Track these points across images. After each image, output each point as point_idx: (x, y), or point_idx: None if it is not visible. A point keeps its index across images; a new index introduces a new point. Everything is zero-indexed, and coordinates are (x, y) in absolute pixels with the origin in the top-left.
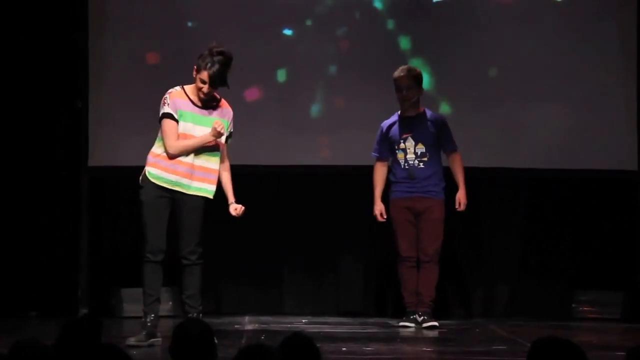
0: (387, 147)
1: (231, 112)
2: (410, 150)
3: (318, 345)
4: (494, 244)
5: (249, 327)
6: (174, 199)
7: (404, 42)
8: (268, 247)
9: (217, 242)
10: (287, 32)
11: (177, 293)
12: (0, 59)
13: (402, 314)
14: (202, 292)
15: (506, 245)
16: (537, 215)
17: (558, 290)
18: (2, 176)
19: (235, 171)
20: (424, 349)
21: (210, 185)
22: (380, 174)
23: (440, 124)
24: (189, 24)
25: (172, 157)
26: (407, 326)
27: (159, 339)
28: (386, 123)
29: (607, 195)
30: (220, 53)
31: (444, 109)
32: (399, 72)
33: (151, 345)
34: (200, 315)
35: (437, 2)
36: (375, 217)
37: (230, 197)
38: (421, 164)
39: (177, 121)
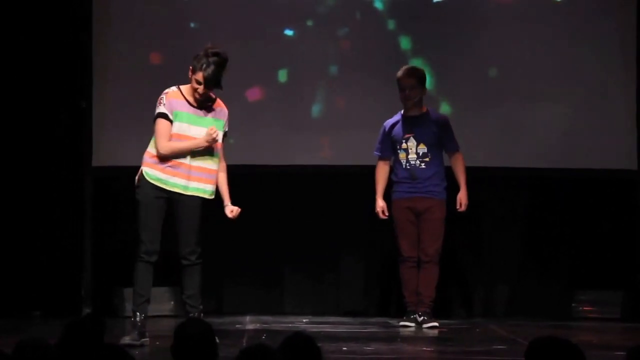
0: (389, 146)
1: (227, 112)
2: (412, 151)
3: (319, 345)
4: (494, 243)
5: (250, 326)
6: (171, 199)
7: (405, 42)
8: (269, 247)
9: (218, 242)
10: (288, 32)
11: (178, 293)
12: (5, 59)
13: (403, 314)
14: (203, 292)
15: (506, 245)
16: (537, 215)
17: (558, 290)
18: (6, 176)
19: (237, 171)
20: (424, 348)
21: (207, 185)
22: (382, 172)
23: (443, 123)
24: (192, 24)
25: (162, 157)
26: (408, 326)
27: (147, 339)
28: (389, 122)
29: (607, 195)
30: (215, 54)
31: (444, 108)
32: (402, 72)
33: (143, 345)
34: (202, 314)
35: (437, 2)
36: (377, 215)
37: (226, 199)
38: (423, 164)
39: (171, 122)
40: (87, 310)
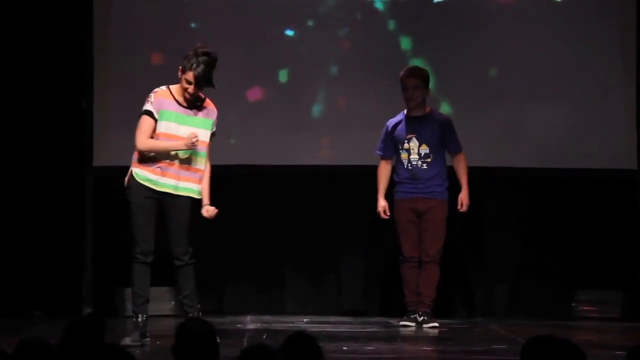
0: (392, 146)
1: (216, 112)
2: (414, 151)
3: (319, 344)
4: (494, 243)
5: (251, 326)
6: (162, 200)
7: (405, 43)
8: (270, 246)
9: (218, 242)
10: (289, 32)
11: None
12: (5, 59)
13: (403, 314)
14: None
15: (506, 245)
16: (537, 215)
17: (558, 290)
18: (7, 176)
19: (237, 171)
20: (425, 348)
21: (196, 185)
22: (384, 172)
23: (446, 124)
24: (193, 24)
25: (146, 156)
26: (408, 325)
27: (148, 338)
28: (392, 122)
29: (607, 195)
30: (205, 54)
31: (445, 108)
32: (405, 72)
33: (143, 345)
34: (200, 313)
35: (437, 3)
36: (378, 215)
37: (206, 199)
38: (424, 164)
39: (155, 120)
40: (87, 310)
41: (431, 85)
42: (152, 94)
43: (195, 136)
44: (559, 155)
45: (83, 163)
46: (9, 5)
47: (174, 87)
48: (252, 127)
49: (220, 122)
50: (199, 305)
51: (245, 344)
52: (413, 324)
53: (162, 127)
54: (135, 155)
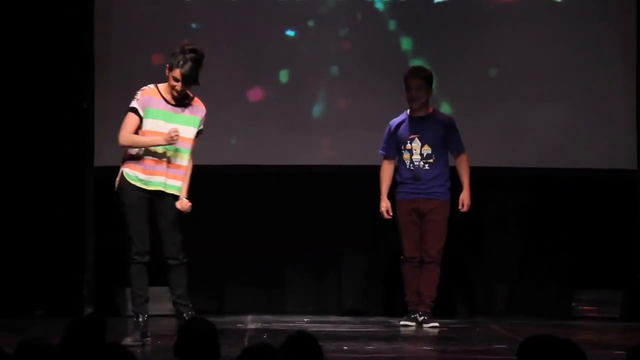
0: (394, 146)
1: (204, 110)
2: (417, 152)
3: (320, 344)
4: (494, 243)
5: (252, 326)
6: (152, 199)
7: (406, 43)
8: (270, 246)
9: (219, 242)
10: (290, 32)
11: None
12: (6, 59)
13: (404, 314)
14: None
15: (506, 245)
16: (537, 215)
17: (558, 289)
18: (9, 176)
19: (238, 171)
20: (425, 347)
21: (181, 182)
22: (387, 171)
23: (449, 124)
24: (193, 25)
25: (127, 152)
26: (408, 325)
27: (149, 338)
28: (395, 121)
29: (607, 195)
30: (192, 51)
31: (445, 108)
32: (409, 72)
33: (144, 345)
34: (193, 312)
35: (438, 3)
36: (381, 214)
37: (183, 193)
38: (426, 165)
39: (140, 118)
40: (88, 310)
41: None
42: (139, 92)
43: (176, 131)
44: (559, 155)
45: (84, 163)
46: (10, 5)
47: (162, 86)
48: (253, 127)
49: (220, 122)
50: (191, 305)
51: (246, 343)
52: (413, 323)
53: (149, 124)
54: (124, 155)
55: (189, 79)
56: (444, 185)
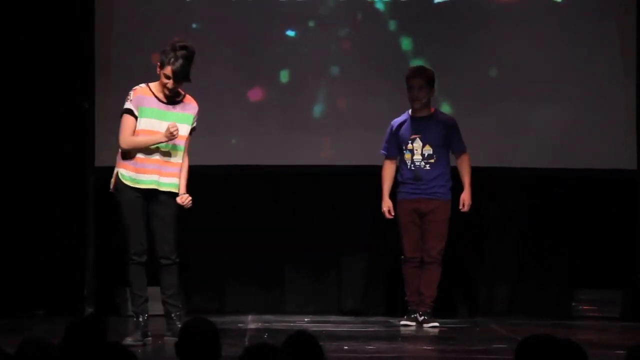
0: (396, 145)
1: (196, 107)
2: (418, 152)
3: (320, 343)
4: (494, 243)
5: (252, 326)
6: (146, 199)
7: (406, 43)
8: (271, 246)
9: (220, 242)
10: (290, 33)
11: (181, 293)
12: (6, 59)
13: (404, 313)
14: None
15: (506, 245)
16: (537, 215)
17: (558, 289)
18: (9, 176)
19: (238, 171)
20: (425, 347)
21: (177, 179)
22: (388, 171)
23: (450, 125)
24: (194, 25)
25: (128, 153)
26: (409, 325)
27: (150, 338)
28: (396, 121)
29: (607, 195)
30: (183, 48)
31: (445, 108)
32: (411, 72)
33: (145, 344)
34: (182, 313)
35: (438, 3)
36: (383, 214)
37: (182, 189)
38: (427, 165)
39: (136, 118)
40: (89, 310)
41: None
42: (131, 92)
43: (175, 126)
44: (559, 155)
45: (84, 163)
46: (10, 4)
47: (153, 84)
48: (253, 127)
49: (221, 122)
50: (181, 305)
51: (246, 343)
52: (414, 323)
53: (143, 123)
54: (118, 155)
55: (180, 76)
56: (445, 185)
